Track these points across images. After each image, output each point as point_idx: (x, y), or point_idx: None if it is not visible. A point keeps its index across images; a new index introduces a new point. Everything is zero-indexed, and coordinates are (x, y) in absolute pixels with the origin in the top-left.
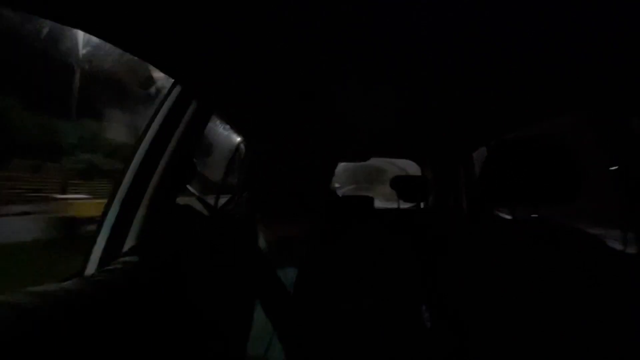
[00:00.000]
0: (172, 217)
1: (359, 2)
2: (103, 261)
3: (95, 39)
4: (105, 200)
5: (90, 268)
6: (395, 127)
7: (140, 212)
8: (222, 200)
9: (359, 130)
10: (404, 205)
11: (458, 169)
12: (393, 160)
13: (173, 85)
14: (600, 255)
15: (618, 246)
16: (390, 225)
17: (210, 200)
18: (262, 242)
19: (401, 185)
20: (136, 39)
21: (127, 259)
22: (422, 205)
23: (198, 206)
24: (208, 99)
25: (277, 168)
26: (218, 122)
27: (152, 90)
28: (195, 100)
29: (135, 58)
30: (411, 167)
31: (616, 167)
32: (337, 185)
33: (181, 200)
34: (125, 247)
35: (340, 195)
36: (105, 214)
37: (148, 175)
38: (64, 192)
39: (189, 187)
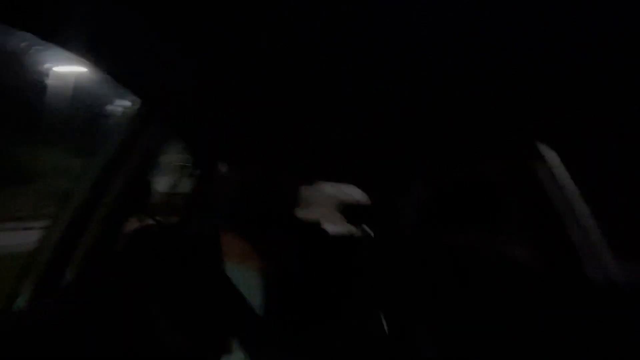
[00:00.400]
0: (125, 241)
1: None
2: (39, 291)
3: None
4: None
5: (22, 299)
6: (347, 151)
7: (88, 237)
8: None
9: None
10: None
11: (399, 198)
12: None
13: (134, 103)
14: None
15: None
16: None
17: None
18: (228, 266)
19: (348, 211)
20: (101, 53)
21: (67, 292)
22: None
23: (153, 228)
24: (172, 119)
25: (251, 190)
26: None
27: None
28: (157, 120)
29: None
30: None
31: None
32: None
33: (135, 222)
34: (66, 278)
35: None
36: (45, 238)
37: (99, 195)
38: None
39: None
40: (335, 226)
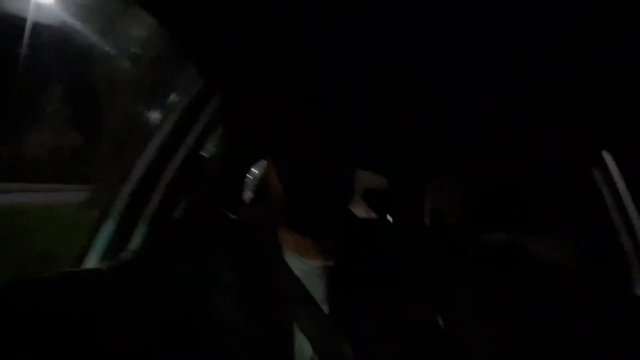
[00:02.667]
0: (184, 219)
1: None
2: (107, 254)
3: None
4: None
5: (92, 261)
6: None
7: (151, 208)
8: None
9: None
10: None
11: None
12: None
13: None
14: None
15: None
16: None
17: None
18: (289, 257)
19: (373, 197)
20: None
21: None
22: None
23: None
24: (234, 99)
25: (310, 183)
26: None
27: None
28: (215, 98)
29: None
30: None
31: None
32: None
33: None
34: (133, 243)
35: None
36: (110, 203)
37: (160, 169)
38: None
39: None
40: (361, 212)
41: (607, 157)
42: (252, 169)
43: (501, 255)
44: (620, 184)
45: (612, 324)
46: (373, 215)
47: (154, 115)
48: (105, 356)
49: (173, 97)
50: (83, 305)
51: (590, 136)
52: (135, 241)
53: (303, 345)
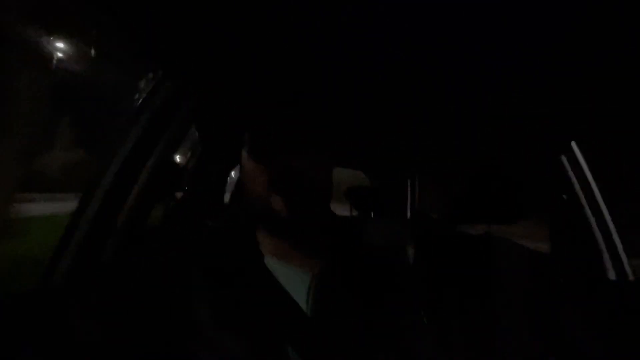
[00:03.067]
0: (159, 228)
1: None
2: (74, 269)
3: None
4: None
5: (58, 275)
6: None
7: (123, 214)
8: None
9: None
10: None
11: (406, 183)
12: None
13: (162, 81)
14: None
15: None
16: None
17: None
18: (270, 263)
19: (354, 195)
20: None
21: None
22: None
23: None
24: (203, 99)
25: (287, 185)
26: None
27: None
28: (187, 100)
29: None
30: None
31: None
32: None
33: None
34: (106, 254)
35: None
36: (77, 216)
37: (132, 175)
38: None
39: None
40: (343, 211)
41: (575, 147)
42: (231, 172)
43: (482, 246)
44: (588, 173)
45: (586, 305)
46: (355, 213)
47: (124, 120)
48: None
49: (143, 100)
50: (52, 325)
51: (558, 127)
52: (108, 251)
53: (288, 351)
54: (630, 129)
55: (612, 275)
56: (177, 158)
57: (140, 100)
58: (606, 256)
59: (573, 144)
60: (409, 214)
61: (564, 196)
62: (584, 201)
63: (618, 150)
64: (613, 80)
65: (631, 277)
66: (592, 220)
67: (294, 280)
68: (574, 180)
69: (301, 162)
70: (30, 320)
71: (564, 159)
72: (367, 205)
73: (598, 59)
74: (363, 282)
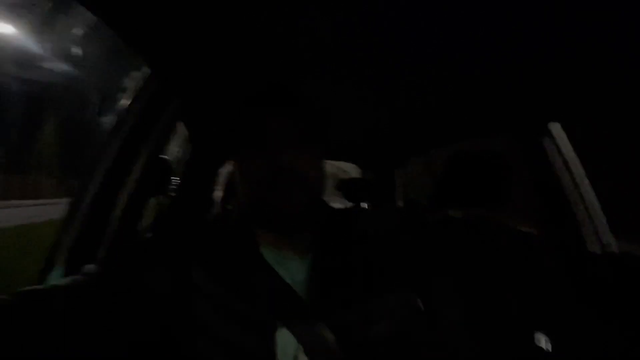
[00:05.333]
0: (156, 221)
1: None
2: (70, 269)
3: None
4: None
5: (55, 275)
6: (350, 129)
7: (115, 215)
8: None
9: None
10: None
11: (395, 173)
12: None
13: (150, 80)
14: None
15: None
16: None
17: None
18: (267, 253)
19: (347, 187)
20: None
21: (102, 267)
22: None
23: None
24: (191, 97)
25: (278, 181)
26: None
27: None
28: (175, 97)
29: None
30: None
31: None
32: None
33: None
34: (99, 254)
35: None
36: (71, 217)
37: (123, 174)
38: None
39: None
40: (336, 202)
41: (556, 127)
42: (222, 168)
43: (472, 229)
44: (570, 154)
45: (574, 283)
46: (348, 204)
47: (110, 119)
48: None
49: (129, 99)
50: (49, 325)
51: (538, 108)
52: (101, 251)
53: (286, 338)
54: (612, 108)
55: (597, 251)
56: (168, 156)
57: (129, 99)
58: (591, 233)
59: (554, 124)
60: (400, 203)
61: (548, 177)
62: (567, 181)
63: (601, 130)
64: (593, 60)
65: (616, 252)
66: (577, 199)
67: (290, 269)
68: (557, 160)
69: (292, 156)
70: (26, 321)
71: (546, 140)
72: (359, 195)
73: (576, 39)
74: (358, 270)
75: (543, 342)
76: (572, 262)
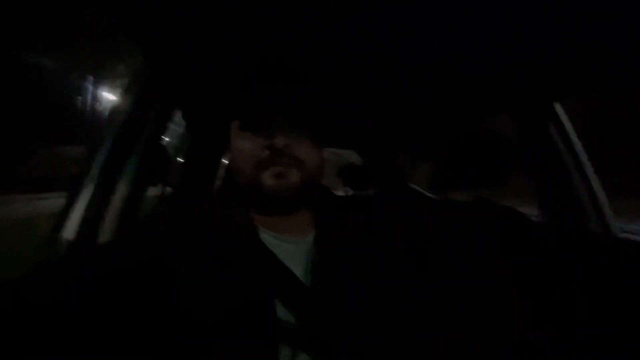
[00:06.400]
0: (156, 209)
1: None
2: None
3: None
4: None
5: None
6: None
7: (116, 202)
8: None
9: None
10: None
11: (399, 158)
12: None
13: (144, 69)
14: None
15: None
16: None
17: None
18: (264, 236)
19: (347, 174)
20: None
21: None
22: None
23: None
24: (186, 83)
25: (273, 164)
26: None
27: None
28: (170, 84)
29: None
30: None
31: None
32: None
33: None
34: (101, 237)
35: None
36: (68, 207)
37: (120, 164)
38: None
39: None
40: (338, 190)
41: (559, 108)
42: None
43: (473, 211)
44: (573, 135)
45: (575, 265)
46: (350, 192)
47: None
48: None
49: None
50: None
51: (541, 89)
52: (103, 235)
53: (286, 318)
54: (617, 91)
55: (598, 232)
56: (167, 145)
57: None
58: (592, 215)
59: (557, 105)
60: (400, 187)
61: (552, 159)
62: (569, 162)
63: (605, 113)
64: (597, 40)
65: (618, 235)
66: (578, 180)
67: (289, 251)
68: (559, 142)
69: (287, 137)
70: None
71: (548, 121)
72: (359, 182)
73: (579, 22)
74: (359, 252)
75: (545, 327)
76: (574, 244)
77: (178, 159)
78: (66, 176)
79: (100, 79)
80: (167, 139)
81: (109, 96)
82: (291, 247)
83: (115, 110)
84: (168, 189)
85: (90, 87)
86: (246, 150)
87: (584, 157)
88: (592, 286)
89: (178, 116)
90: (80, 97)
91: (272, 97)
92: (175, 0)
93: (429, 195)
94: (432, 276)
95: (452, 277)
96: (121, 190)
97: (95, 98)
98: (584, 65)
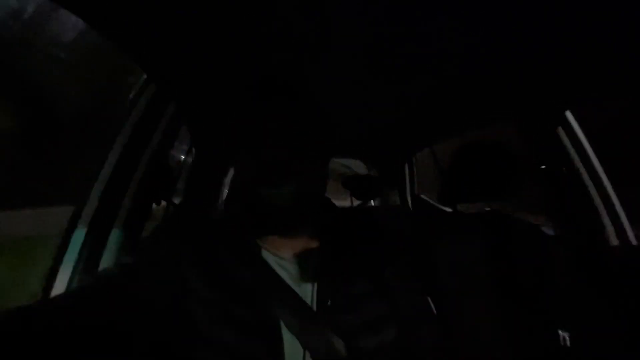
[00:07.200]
0: (157, 229)
1: None
2: (75, 278)
3: None
4: None
5: (59, 286)
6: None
7: (117, 225)
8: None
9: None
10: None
11: (403, 168)
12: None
13: (146, 84)
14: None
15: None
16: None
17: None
18: (269, 257)
19: (353, 184)
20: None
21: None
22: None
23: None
24: (187, 100)
25: (272, 178)
26: None
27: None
28: (172, 102)
29: None
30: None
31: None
32: None
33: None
34: (103, 264)
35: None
36: (72, 226)
37: (124, 182)
38: None
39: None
40: (343, 201)
41: (570, 117)
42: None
43: (483, 223)
44: (586, 143)
45: (591, 275)
46: (356, 202)
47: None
48: None
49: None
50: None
51: (553, 97)
52: (107, 252)
53: (292, 343)
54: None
55: (614, 242)
56: (172, 158)
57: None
58: (609, 224)
59: (568, 114)
60: (408, 199)
61: (563, 168)
62: (583, 171)
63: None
64: (607, 47)
65: (634, 243)
66: (593, 189)
67: (292, 270)
68: (572, 151)
69: (287, 153)
70: (31, 333)
71: (560, 129)
72: (366, 193)
73: (589, 30)
74: (366, 271)
75: (562, 336)
76: (588, 253)
77: (181, 175)
78: (69, 192)
79: (102, 94)
80: (172, 155)
81: (112, 111)
82: (294, 267)
83: (119, 126)
84: (171, 207)
85: (92, 102)
86: (245, 166)
87: (597, 164)
88: (610, 295)
89: (183, 132)
90: (83, 112)
91: (272, 111)
92: (177, 16)
93: (439, 206)
94: (441, 293)
95: (461, 293)
96: (124, 208)
97: (97, 113)
98: (596, 72)
